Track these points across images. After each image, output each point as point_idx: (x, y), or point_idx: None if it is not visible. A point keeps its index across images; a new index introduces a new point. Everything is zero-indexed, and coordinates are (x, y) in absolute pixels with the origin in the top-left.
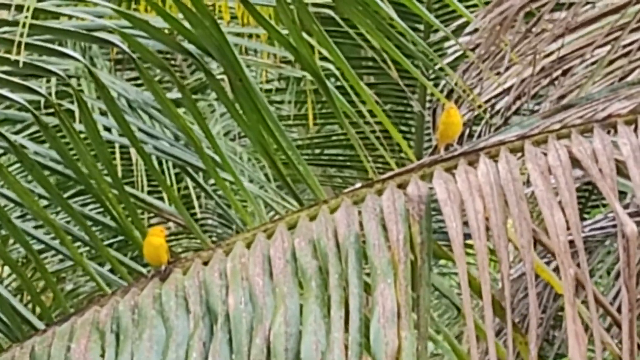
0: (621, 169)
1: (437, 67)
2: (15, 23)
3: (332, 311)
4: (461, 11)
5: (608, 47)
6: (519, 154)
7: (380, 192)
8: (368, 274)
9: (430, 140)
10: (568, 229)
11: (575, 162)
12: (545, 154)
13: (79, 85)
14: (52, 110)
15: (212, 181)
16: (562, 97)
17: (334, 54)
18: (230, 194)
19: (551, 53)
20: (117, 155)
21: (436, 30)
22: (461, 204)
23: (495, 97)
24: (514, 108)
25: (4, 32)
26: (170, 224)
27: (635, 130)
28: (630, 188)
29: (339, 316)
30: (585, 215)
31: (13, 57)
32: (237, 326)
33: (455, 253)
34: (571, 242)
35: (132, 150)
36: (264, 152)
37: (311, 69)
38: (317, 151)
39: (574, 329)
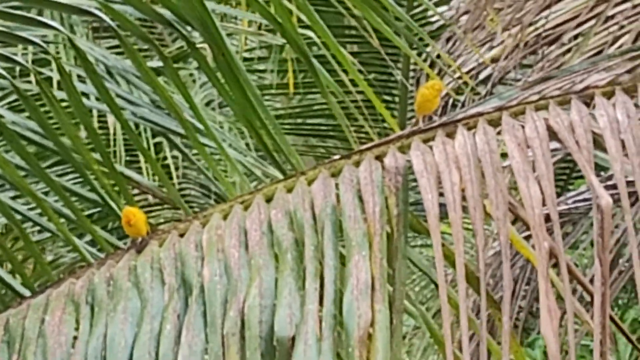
0: (598, 141)
1: (418, 37)
2: None
3: (307, 283)
4: None
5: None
6: (497, 126)
7: (358, 164)
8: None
9: (414, 110)
10: (544, 202)
11: (553, 134)
12: (522, 126)
13: (57, 52)
14: (29, 78)
15: (193, 151)
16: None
17: (316, 23)
18: (212, 161)
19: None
20: (95, 125)
21: None
22: (438, 175)
23: (479, 65)
24: (497, 76)
25: None
26: (149, 196)
27: (613, 102)
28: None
29: (314, 288)
30: (570, 187)
31: None
32: (211, 298)
33: (430, 225)
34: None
35: (110, 119)
36: (247, 121)
37: (294, 42)
38: (299, 121)
39: (547, 304)
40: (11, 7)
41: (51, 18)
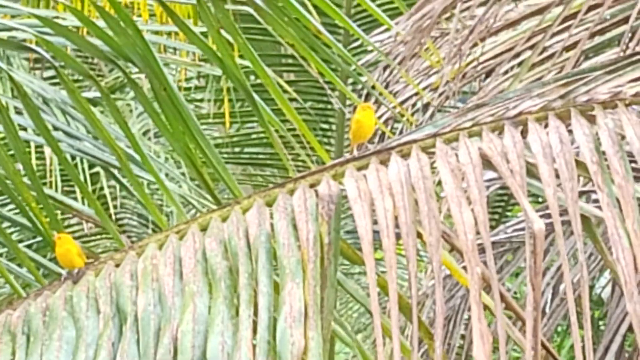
0: (532, 170)
1: (353, 68)
2: None
3: (241, 310)
4: (380, 17)
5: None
6: (431, 153)
7: (292, 192)
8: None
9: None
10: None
11: (486, 160)
12: (456, 153)
13: None
14: None
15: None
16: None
17: (250, 54)
18: (144, 193)
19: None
20: (33, 155)
21: None
22: (371, 202)
23: (415, 94)
24: (435, 104)
25: None
26: (88, 224)
27: (546, 127)
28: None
29: (247, 315)
30: (508, 213)
31: None
32: (145, 327)
33: (363, 251)
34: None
35: (47, 151)
36: (183, 152)
37: (232, 74)
38: (237, 149)
39: (479, 328)
40: None
41: None
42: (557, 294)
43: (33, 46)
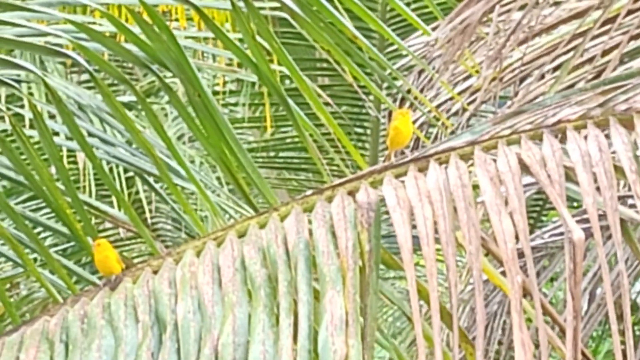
0: (570, 175)
1: (388, 72)
2: None
3: (281, 319)
4: (417, 24)
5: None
6: (469, 160)
7: (330, 199)
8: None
9: (385, 142)
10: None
11: (525, 168)
12: (494, 160)
13: (29, 88)
14: (1, 114)
15: (165, 185)
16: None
17: (285, 58)
18: (183, 198)
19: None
20: (65, 160)
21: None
22: (410, 210)
23: (450, 99)
24: (471, 109)
25: None
26: (121, 229)
27: (585, 135)
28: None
29: (288, 323)
30: (543, 218)
31: None
32: (185, 336)
33: (403, 260)
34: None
35: (80, 156)
36: (217, 156)
37: (267, 79)
38: (272, 154)
39: (521, 337)
40: None
41: (22, 53)
42: (594, 299)
43: (67, 51)
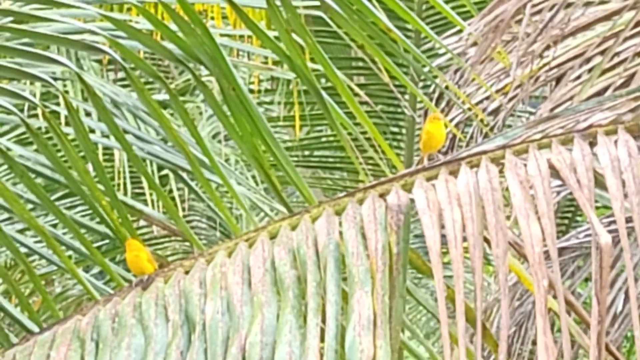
0: (598, 179)
1: (427, 69)
2: (2, 28)
3: (309, 319)
4: (452, 18)
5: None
6: (500, 164)
7: (361, 201)
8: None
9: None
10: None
11: (555, 172)
12: (525, 164)
13: (65, 85)
14: (36, 111)
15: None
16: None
17: (322, 59)
18: (217, 197)
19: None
20: (100, 158)
21: None
22: (440, 213)
23: (486, 98)
24: (506, 108)
25: None
26: (154, 227)
27: (615, 140)
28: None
29: (315, 323)
30: (578, 218)
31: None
32: (212, 336)
33: (432, 262)
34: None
35: (116, 153)
36: (252, 155)
37: (304, 76)
38: (307, 153)
39: (544, 341)
40: (20, 44)
41: (58, 51)
42: (629, 299)
43: (103, 47)
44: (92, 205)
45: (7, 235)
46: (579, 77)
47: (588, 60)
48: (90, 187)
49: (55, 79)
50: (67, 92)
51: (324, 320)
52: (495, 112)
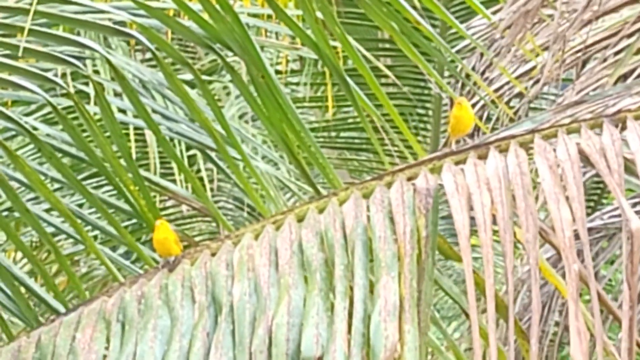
0: (630, 167)
1: (450, 58)
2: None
3: (336, 302)
4: (477, 8)
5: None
6: (529, 148)
7: (389, 185)
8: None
9: (447, 122)
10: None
11: (584, 157)
12: (554, 149)
13: (94, 65)
14: (65, 91)
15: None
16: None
17: (346, 43)
18: (242, 176)
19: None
20: (132, 138)
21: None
22: (469, 197)
23: (515, 78)
24: (533, 92)
25: (19, 21)
26: (184, 207)
27: None
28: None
29: (343, 307)
30: (604, 200)
31: (24, 43)
32: (240, 317)
33: (460, 246)
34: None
35: (147, 133)
36: (279, 136)
37: (329, 60)
38: (333, 134)
39: (576, 326)
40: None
41: (85, 32)
42: None
43: (130, 31)
44: (117, 185)
45: (33, 215)
46: (604, 60)
47: (618, 43)
48: (116, 169)
49: (84, 59)
50: (97, 71)
51: (351, 305)
52: (521, 94)
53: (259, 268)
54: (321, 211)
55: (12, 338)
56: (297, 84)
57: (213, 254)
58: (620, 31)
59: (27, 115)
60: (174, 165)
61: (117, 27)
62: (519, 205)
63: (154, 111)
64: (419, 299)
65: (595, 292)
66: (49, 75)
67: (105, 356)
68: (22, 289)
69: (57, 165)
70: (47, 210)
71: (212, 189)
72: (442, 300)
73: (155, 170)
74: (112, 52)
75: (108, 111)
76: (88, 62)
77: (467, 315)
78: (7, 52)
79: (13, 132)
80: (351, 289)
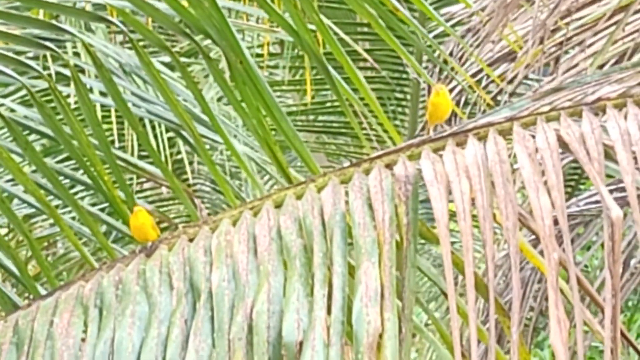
0: (609, 153)
1: (434, 34)
2: None
3: (315, 289)
4: None
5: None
6: (508, 136)
7: (368, 172)
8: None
9: (425, 107)
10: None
11: (563, 145)
12: (533, 136)
13: (74, 47)
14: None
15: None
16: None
17: (323, 27)
18: (209, 156)
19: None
20: (114, 120)
21: None
22: (448, 184)
23: (491, 64)
24: (511, 88)
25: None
26: (163, 189)
27: (625, 114)
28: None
29: (322, 294)
30: (581, 186)
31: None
32: (219, 304)
33: (440, 234)
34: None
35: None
36: (254, 129)
37: (312, 52)
38: (311, 117)
39: (556, 314)
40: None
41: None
42: (628, 268)
43: (109, 17)
44: (85, 166)
45: (2, 198)
46: (582, 51)
47: (596, 34)
48: (89, 155)
49: (66, 41)
50: (77, 53)
51: (330, 292)
52: (500, 78)
53: (238, 255)
54: (299, 197)
55: None
56: (276, 67)
57: (190, 240)
58: (597, 23)
59: (4, 97)
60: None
61: (97, 13)
62: (498, 193)
63: (133, 93)
64: (403, 286)
65: (575, 279)
66: (23, 58)
67: (83, 340)
68: None
69: (32, 156)
70: (26, 191)
71: (193, 171)
72: (420, 282)
73: (133, 152)
74: (90, 35)
75: (85, 96)
76: (69, 44)
77: (445, 295)
78: None
79: None
80: (330, 276)
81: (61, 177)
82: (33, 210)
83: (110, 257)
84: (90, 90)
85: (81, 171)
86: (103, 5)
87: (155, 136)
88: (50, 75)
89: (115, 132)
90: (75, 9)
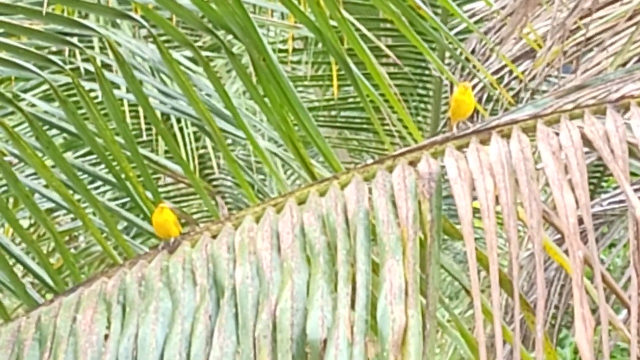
0: (633, 151)
1: (449, 41)
2: None
3: (339, 287)
4: None
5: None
6: (532, 134)
7: (391, 169)
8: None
9: (448, 103)
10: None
11: (587, 143)
12: (557, 134)
13: (101, 43)
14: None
15: (228, 141)
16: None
17: (346, 27)
18: (229, 152)
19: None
20: (142, 115)
21: None
22: (472, 182)
23: (512, 62)
24: (533, 84)
25: (26, 3)
26: (183, 185)
27: None
28: None
29: (346, 292)
30: (603, 184)
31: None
32: (243, 300)
33: (463, 232)
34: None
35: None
36: (277, 125)
37: (331, 44)
38: (334, 113)
39: (581, 312)
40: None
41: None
42: None
43: (133, 14)
44: (108, 162)
45: (27, 192)
46: (604, 50)
47: (618, 32)
48: (114, 152)
49: (92, 37)
50: (103, 48)
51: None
52: (525, 75)
53: (261, 252)
54: (322, 194)
55: (7, 318)
56: (299, 62)
57: (213, 236)
58: (618, 23)
59: (25, 92)
60: (180, 142)
61: (120, 9)
62: (522, 191)
63: (160, 91)
64: (427, 283)
65: (600, 277)
66: (46, 53)
67: (106, 337)
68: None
69: (53, 155)
70: (47, 186)
71: (219, 165)
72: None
73: (159, 147)
74: (114, 31)
75: (109, 92)
76: (96, 40)
77: (467, 292)
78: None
79: (11, 109)
80: (353, 274)
81: (80, 173)
82: (53, 205)
83: (127, 254)
84: (117, 86)
85: (102, 166)
86: (127, 0)
87: (181, 129)
88: (72, 70)
89: (143, 127)
90: (101, 6)
